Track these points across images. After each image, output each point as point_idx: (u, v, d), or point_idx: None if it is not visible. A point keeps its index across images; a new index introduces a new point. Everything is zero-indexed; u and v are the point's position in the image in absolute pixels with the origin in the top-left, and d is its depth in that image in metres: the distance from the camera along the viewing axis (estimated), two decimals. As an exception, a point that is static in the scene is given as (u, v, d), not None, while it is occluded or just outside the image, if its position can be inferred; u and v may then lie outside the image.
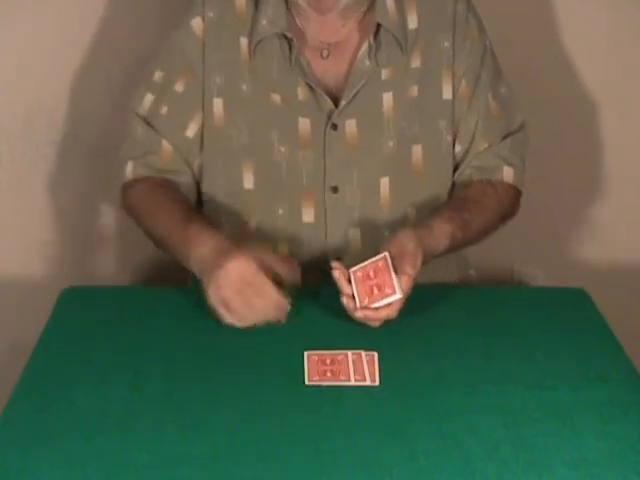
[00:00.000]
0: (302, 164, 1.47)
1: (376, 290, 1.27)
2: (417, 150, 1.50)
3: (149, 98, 1.51)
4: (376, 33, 1.46)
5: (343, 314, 1.31)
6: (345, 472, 1.04)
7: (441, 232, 1.39)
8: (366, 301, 1.27)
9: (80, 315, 1.38)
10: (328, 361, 1.24)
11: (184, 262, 1.38)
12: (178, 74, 1.50)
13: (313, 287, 1.40)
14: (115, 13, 1.78)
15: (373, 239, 1.47)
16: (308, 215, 1.49)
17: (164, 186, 1.50)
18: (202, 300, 1.33)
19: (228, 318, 1.29)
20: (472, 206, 1.47)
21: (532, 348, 1.29)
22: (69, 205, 1.87)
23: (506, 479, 1.03)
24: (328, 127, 1.46)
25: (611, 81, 1.91)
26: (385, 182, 1.49)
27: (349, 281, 1.30)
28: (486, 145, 1.52)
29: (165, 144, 1.50)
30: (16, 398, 1.17)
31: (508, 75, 1.57)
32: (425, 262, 1.34)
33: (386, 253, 1.30)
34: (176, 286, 1.47)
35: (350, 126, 1.47)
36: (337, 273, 1.30)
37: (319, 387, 1.19)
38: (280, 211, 1.49)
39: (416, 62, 1.49)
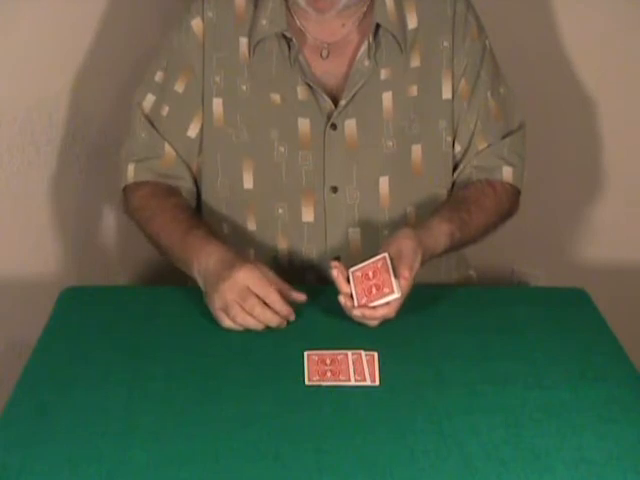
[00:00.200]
0: (302, 164, 1.48)
1: (374, 290, 1.27)
2: (417, 150, 1.50)
3: (150, 99, 1.52)
4: (375, 33, 1.46)
5: (343, 314, 1.31)
6: (345, 472, 1.04)
7: (440, 232, 1.39)
8: (364, 300, 1.28)
9: (80, 315, 1.38)
10: (328, 361, 1.24)
11: (186, 270, 1.38)
12: (178, 74, 1.50)
13: (313, 287, 1.40)
14: (115, 13, 1.78)
15: (373, 239, 1.47)
16: (308, 215, 1.49)
17: (166, 191, 1.50)
18: (202, 300, 1.33)
19: (226, 322, 1.29)
20: (471, 206, 1.47)
21: (532, 348, 1.29)
22: (69, 205, 1.87)
23: (506, 479, 1.03)
24: (328, 127, 1.46)
25: (611, 81, 1.92)
26: (385, 182, 1.49)
27: (348, 281, 1.30)
28: (485, 145, 1.52)
29: (168, 148, 1.50)
30: (16, 398, 1.17)
31: (507, 75, 1.58)
32: (424, 262, 1.34)
33: (385, 254, 1.30)
34: (176, 286, 1.47)
35: (350, 126, 1.47)
36: (335, 272, 1.30)
37: (319, 387, 1.19)
38: (280, 211, 1.49)
39: (415, 62, 1.49)
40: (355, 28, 1.48)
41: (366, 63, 1.46)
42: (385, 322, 1.30)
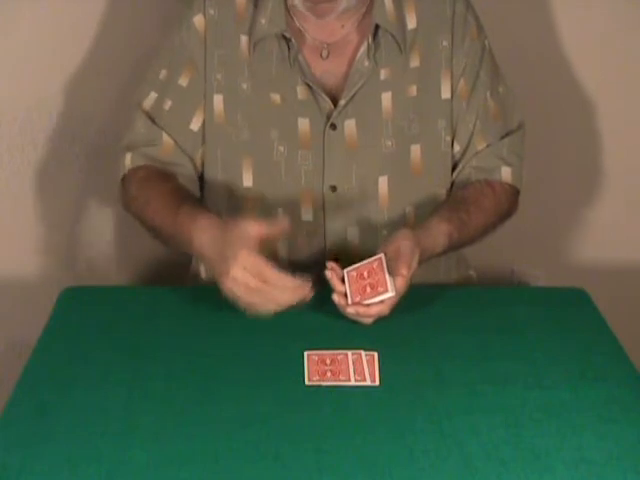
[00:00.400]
0: (301, 163, 1.48)
1: (369, 288, 1.28)
2: (416, 150, 1.50)
3: (152, 96, 1.51)
4: (375, 33, 1.46)
5: (343, 314, 1.31)
6: (345, 472, 1.04)
7: (439, 232, 1.39)
8: (358, 298, 1.28)
9: (80, 315, 1.38)
10: (328, 361, 1.24)
11: (187, 250, 1.36)
12: (182, 69, 1.49)
13: (313, 287, 1.40)
14: (115, 13, 1.78)
15: (372, 238, 1.48)
16: (307, 214, 1.49)
17: (160, 176, 1.47)
18: (202, 300, 1.33)
19: (251, 311, 1.25)
20: (470, 207, 1.47)
21: (532, 348, 1.29)
22: (69, 205, 1.87)
23: (506, 479, 1.03)
24: (327, 127, 1.46)
25: (610, 81, 1.91)
26: (384, 181, 1.49)
27: (342, 281, 1.30)
28: (484, 144, 1.52)
29: (166, 137, 1.49)
30: (16, 398, 1.17)
31: (507, 75, 1.57)
32: (422, 262, 1.34)
33: (382, 255, 1.30)
34: (176, 286, 1.47)
35: (349, 126, 1.47)
36: (329, 274, 1.30)
37: (319, 387, 1.19)
38: (279, 209, 1.49)
39: (415, 62, 1.49)
40: (354, 29, 1.48)
41: (366, 63, 1.46)
42: (384, 321, 1.30)
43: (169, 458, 1.05)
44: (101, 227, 1.93)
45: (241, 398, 1.17)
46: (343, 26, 1.47)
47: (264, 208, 1.50)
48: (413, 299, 1.31)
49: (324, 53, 1.48)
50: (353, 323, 1.31)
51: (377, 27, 1.46)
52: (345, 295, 1.29)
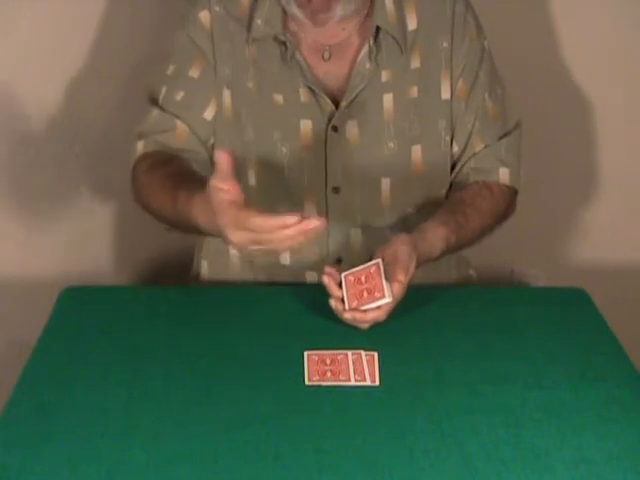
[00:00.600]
0: (304, 165, 1.47)
1: (366, 294, 1.28)
2: (417, 150, 1.50)
3: (163, 90, 1.50)
4: (376, 35, 1.46)
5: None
6: (345, 472, 1.04)
7: (436, 236, 1.39)
8: (355, 303, 1.28)
9: (80, 315, 1.38)
10: (328, 361, 1.24)
11: (199, 232, 1.33)
12: (192, 62, 1.48)
13: (313, 287, 1.40)
14: (115, 14, 1.78)
15: (374, 239, 1.47)
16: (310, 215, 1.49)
17: (162, 162, 1.46)
18: (202, 300, 1.33)
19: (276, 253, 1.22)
20: (467, 209, 1.46)
21: (532, 348, 1.29)
22: (69, 205, 1.87)
23: (506, 479, 1.03)
24: (329, 128, 1.46)
25: (608, 83, 1.92)
26: (386, 183, 1.49)
27: (340, 286, 1.30)
28: (482, 145, 1.52)
29: (180, 124, 1.48)
30: (16, 398, 1.17)
31: (506, 76, 1.57)
32: (419, 266, 1.34)
33: (379, 260, 1.30)
34: (176, 286, 1.47)
35: (351, 128, 1.47)
36: (326, 279, 1.30)
37: (319, 387, 1.19)
38: (282, 210, 1.49)
39: (416, 63, 1.49)
40: (355, 31, 1.48)
41: (367, 65, 1.46)
42: (384, 322, 1.30)
43: (169, 458, 1.05)
44: (101, 227, 1.93)
45: (241, 398, 1.17)
46: (344, 29, 1.47)
47: (267, 208, 1.49)
48: (413, 299, 1.31)
49: (326, 55, 1.48)
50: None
51: (378, 29, 1.46)
52: (342, 300, 1.29)
